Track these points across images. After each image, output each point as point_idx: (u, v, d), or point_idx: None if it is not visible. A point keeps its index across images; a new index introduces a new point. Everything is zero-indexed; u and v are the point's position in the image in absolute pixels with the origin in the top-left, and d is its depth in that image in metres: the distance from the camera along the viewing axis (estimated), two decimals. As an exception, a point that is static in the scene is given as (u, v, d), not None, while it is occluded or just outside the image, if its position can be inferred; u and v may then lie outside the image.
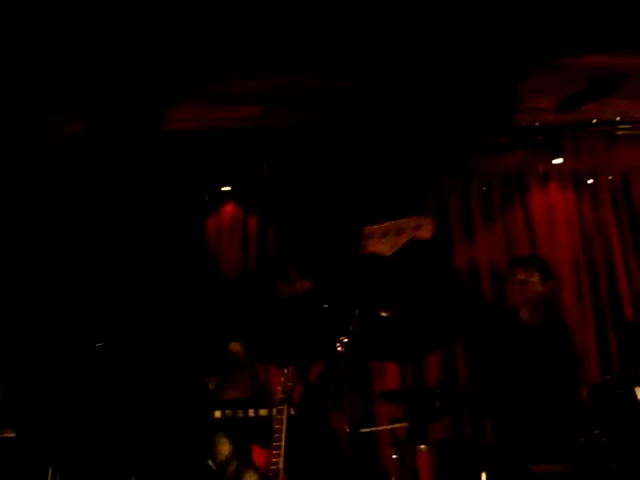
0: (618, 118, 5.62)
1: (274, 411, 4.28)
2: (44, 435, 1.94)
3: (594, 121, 5.64)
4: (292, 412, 4.21)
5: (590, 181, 5.85)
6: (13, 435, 3.62)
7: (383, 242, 2.18)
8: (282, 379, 4.21)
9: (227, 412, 4.48)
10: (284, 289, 2.26)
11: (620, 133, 5.69)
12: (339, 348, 4.20)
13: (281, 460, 3.96)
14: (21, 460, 2.05)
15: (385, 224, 2.20)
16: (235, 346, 2.34)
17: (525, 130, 5.73)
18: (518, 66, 4.79)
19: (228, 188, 5.73)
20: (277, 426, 4.03)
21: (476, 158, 5.76)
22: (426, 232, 2.16)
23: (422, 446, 4.27)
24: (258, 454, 4.79)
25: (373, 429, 4.76)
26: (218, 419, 4.44)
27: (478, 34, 4.38)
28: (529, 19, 4.24)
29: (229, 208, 5.83)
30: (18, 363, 1.98)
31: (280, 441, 3.97)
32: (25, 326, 1.99)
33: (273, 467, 3.99)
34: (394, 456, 4.39)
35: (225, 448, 4.71)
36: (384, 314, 4.42)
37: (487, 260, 5.58)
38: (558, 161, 5.74)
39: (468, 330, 5.20)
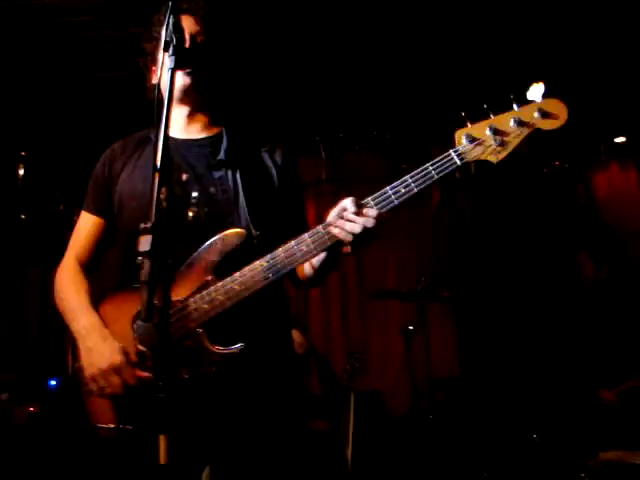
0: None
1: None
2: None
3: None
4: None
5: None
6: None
7: (491, 143, 1.68)
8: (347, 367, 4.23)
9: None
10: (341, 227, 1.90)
11: None
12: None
13: (349, 451, 4.01)
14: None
15: (488, 119, 1.70)
16: (293, 334, 2.29)
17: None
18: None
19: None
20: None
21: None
22: (557, 120, 1.66)
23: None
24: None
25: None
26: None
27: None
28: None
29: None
30: None
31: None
32: None
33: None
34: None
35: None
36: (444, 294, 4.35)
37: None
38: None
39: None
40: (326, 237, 1.89)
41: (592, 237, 4.99)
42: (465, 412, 4.52)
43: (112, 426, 1.97)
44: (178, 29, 1.72)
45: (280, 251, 1.92)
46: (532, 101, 1.67)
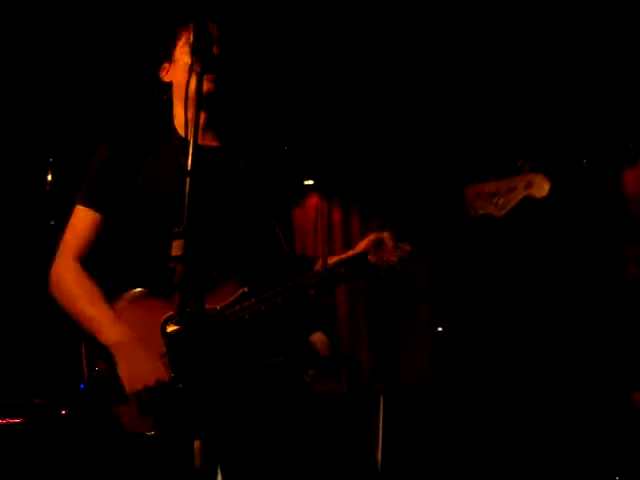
0: None
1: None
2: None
3: None
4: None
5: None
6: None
7: (493, 202, 2.05)
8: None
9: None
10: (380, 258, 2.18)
11: None
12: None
13: (379, 454, 4.00)
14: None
15: (490, 183, 2.06)
16: (319, 336, 2.32)
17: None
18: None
19: (311, 182, 5.76)
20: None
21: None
22: (540, 190, 1.99)
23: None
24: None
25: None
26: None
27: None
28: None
29: (313, 201, 5.87)
30: None
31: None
32: None
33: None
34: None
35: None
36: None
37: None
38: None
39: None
40: (365, 264, 2.12)
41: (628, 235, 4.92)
42: (495, 413, 4.49)
43: (149, 433, 1.96)
44: (207, 35, 1.75)
45: (322, 271, 2.10)
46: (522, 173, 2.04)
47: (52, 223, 4.99)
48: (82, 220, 2.12)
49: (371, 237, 2.15)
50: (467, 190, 2.07)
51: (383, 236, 2.14)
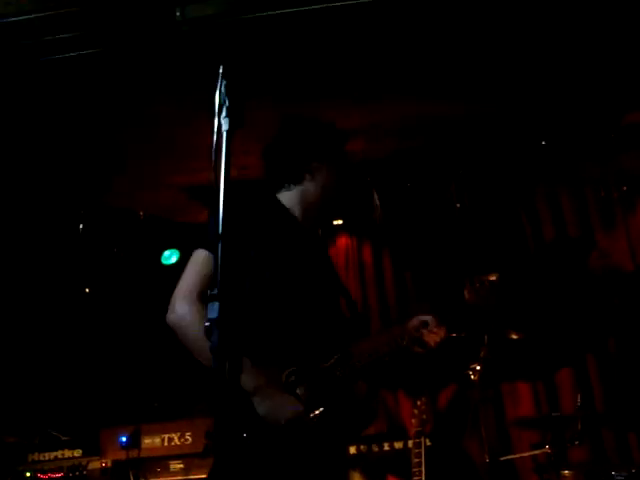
0: None
1: (410, 443, 4.28)
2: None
3: None
4: (428, 443, 4.18)
5: None
6: None
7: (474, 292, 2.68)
8: (415, 411, 4.20)
9: (362, 447, 4.53)
10: (429, 337, 2.50)
11: None
12: (472, 376, 4.15)
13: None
14: None
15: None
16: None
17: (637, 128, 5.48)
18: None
19: (340, 222, 5.79)
20: (416, 459, 4.02)
21: (590, 163, 5.55)
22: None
23: (566, 472, 4.12)
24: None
25: (513, 456, 4.62)
26: (353, 455, 4.50)
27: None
28: None
29: (342, 241, 5.90)
30: None
31: (420, 475, 3.95)
32: None
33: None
34: (537, 482, 4.27)
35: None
36: (514, 336, 4.33)
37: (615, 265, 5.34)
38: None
39: (600, 342, 5.01)
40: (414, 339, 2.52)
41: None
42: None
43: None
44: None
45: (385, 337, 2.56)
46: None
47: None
48: (206, 262, 2.25)
49: (416, 321, 2.51)
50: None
51: (427, 317, 2.51)
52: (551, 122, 5.19)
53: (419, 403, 4.20)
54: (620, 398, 4.78)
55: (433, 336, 2.49)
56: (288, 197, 2.57)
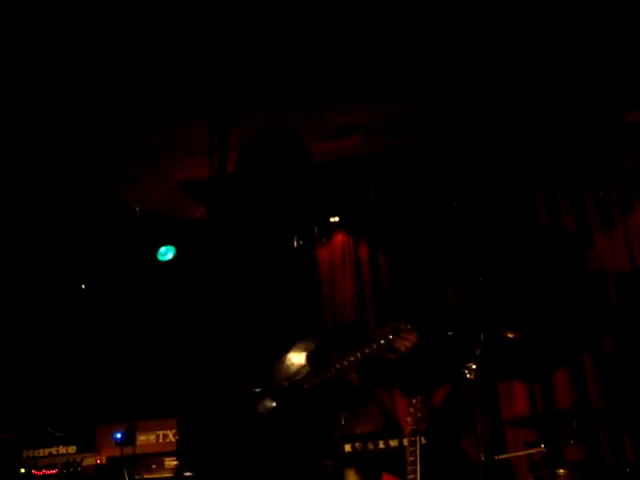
0: None
1: (405, 441, 4.27)
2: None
3: None
4: (423, 441, 4.17)
5: None
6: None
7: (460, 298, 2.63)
8: (411, 409, 4.19)
9: (357, 445, 4.53)
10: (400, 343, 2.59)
11: None
12: (468, 375, 4.14)
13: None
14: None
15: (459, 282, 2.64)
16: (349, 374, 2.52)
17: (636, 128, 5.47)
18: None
19: (337, 219, 5.78)
20: (411, 458, 4.01)
21: (587, 163, 5.54)
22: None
23: (561, 470, 4.12)
24: (389, 484, 4.79)
25: (509, 455, 4.62)
26: (348, 453, 4.49)
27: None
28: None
29: (339, 238, 5.89)
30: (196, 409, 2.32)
31: (415, 473, 3.94)
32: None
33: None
34: (532, 481, 4.27)
35: (354, 480, 4.75)
36: (510, 335, 4.32)
37: (609, 266, 5.34)
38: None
39: (596, 342, 5.01)
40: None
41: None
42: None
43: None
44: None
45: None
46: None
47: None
48: None
49: (388, 328, 2.56)
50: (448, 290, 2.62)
51: (399, 325, 2.56)
52: (549, 121, 5.19)
53: (414, 401, 4.19)
54: (616, 398, 4.78)
55: (404, 342, 2.52)
56: None
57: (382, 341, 2.52)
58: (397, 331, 2.52)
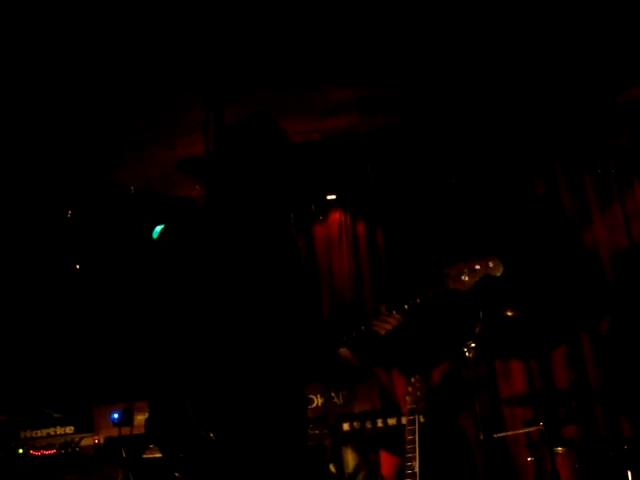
0: None
1: (404, 420, 4.27)
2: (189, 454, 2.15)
3: None
4: (422, 420, 4.18)
5: None
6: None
7: (459, 280, 2.57)
8: (409, 388, 4.19)
9: (355, 424, 4.53)
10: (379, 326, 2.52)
11: None
12: (467, 353, 4.14)
13: (417, 467, 3.94)
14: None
15: (459, 265, 2.58)
16: (344, 352, 2.50)
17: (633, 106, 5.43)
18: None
19: (334, 196, 5.75)
20: (410, 436, 4.01)
21: (586, 143, 5.50)
22: (497, 269, 2.57)
23: (559, 448, 4.13)
24: (387, 462, 4.80)
25: (507, 433, 4.63)
26: (346, 432, 4.49)
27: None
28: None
29: (336, 215, 5.86)
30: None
31: (414, 451, 3.95)
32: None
33: (409, 472, 3.98)
34: (529, 459, 4.28)
35: (352, 459, 4.76)
36: (509, 313, 4.31)
37: (607, 245, 5.32)
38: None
39: (594, 321, 5.01)
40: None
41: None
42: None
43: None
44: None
45: None
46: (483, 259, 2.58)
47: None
48: None
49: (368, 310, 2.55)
50: (444, 270, 2.57)
51: (380, 308, 2.52)
52: (548, 99, 5.14)
53: (413, 380, 4.18)
54: (613, 377, 4.79)
55: (383, 325, 2.49)
56: None
57: (362, 326, 2.50)
58: (376, 313, 2.50)
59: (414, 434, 4.03)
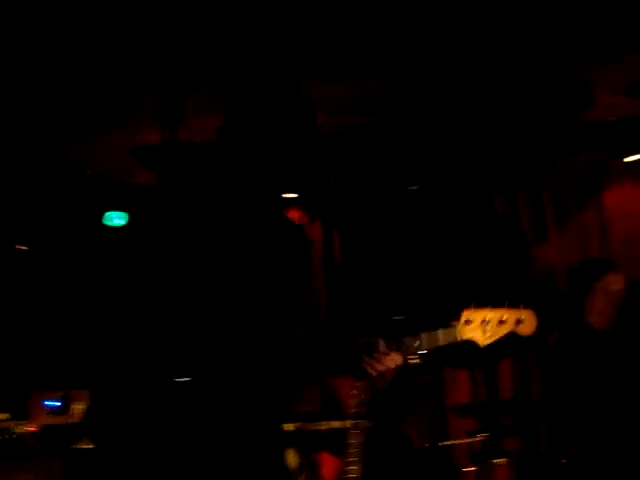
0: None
1: (347, 423, 4.22)
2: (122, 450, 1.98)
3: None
4: (367, 424, 4.14)
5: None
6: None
7: (482, 330, 2.10)
8: (354, 392, 4.13)
9: (297, 425, 4.47)
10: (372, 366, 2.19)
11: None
12: (415, 360, 4.11)
13: (358, 471, 3.90)
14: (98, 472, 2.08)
15: (486, 309, 2.09)
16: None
17: (597, 126, 5.51)
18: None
19: (293, 195, 5.69)
20: (353, 440, 3.96)
21: (546, 158, 5.57)
22: (528, 328, 2.08)
23: (499, 460, 4.15)
24: (328, 464, 4.76)
25: (450, 443, 4.64)
26: (289, 432, 4.44)
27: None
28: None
29: (293, 215, 5.81)
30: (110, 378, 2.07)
31: (357, 455, 3.91)
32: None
33: (351, 476, 3.94)
34: (471, 469, 4.30)
35: (293, 460, 4.70)
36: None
37: (561, 263, 5.39)
38: (633, 158, 5.51)
39: (542, 335, 5.04)
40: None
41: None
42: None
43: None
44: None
45: None
46: (516, 307, 2.07)
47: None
48: None
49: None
50: (464, 312, 2.08)
51: (376, 342, 2.15)
52: (509, 117, 5.18)
53: (358, 384, 4.14)
54: (556, 391, 4.83)
55: (377, 366, 2.17)
56: None
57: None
58: (370, 349, 2.15)
59: (357, 438, 3.98)
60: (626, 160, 5.56)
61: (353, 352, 2.20)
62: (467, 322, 2.11)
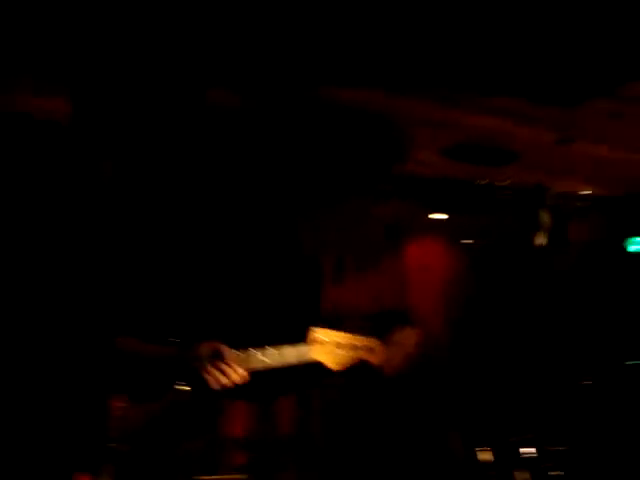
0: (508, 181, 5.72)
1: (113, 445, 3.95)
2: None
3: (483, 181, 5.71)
4: (129, 446, 3.90)
5: (467, 241, 5.92)
6: None
7: (334, 353, 1.96)
8: (118, 412, 3.88)
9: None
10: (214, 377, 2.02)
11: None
12: (185, 388, 3.93)
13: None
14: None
15: (338, 333, 1.98)
16: None
17: (407, 180, 5.73)
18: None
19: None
20: (112, 460, 3.72)
21: (354, 203, 5.69)
22: (378, 357, 2.01)
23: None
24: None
25: (211, 478, 4.49)
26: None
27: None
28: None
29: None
30: None
31: (111, 475, 3.66)
32: None
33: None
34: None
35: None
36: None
37: (353, 307, 5.48)
38: (437, 216, 5.78)
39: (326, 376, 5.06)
40: None
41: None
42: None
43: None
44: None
45: None
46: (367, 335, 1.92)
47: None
48: None
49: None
50: (313, 331, 1.94)
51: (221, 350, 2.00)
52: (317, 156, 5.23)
53: (124, 405, 3.90)
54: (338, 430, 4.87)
55: (220, 378, 1.94)
56: None
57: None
58: (214, 357, 1.96)
59: (118, 458, 3.75)
60: (431, 217, 5.81)
61: (190, 358, 1.82)
62: (319, 342, 1.99)
